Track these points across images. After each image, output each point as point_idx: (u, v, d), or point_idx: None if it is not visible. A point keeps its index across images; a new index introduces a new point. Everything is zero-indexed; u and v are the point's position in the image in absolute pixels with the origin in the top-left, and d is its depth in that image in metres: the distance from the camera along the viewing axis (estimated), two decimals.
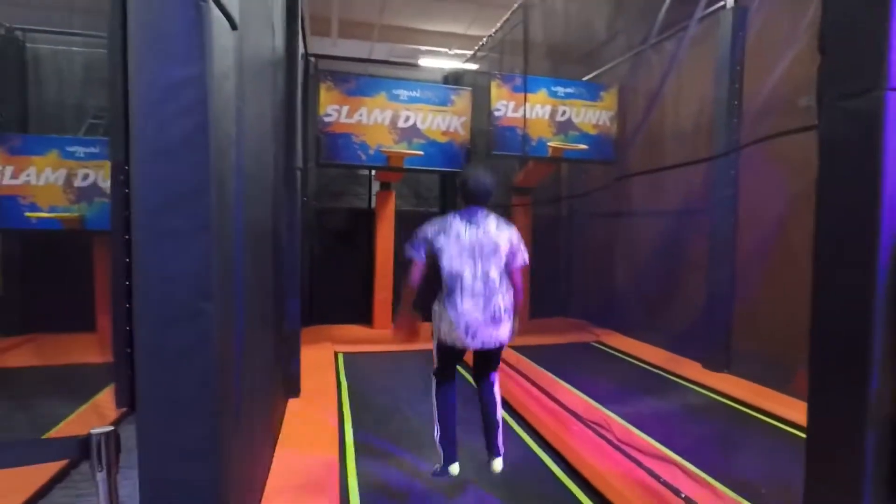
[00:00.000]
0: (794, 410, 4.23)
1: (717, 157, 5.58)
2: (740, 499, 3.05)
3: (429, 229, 3.10)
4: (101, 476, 1.51)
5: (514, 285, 3.14)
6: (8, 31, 7.27)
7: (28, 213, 6.31)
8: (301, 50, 6.04)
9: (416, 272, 3.04)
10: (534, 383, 5.06)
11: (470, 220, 3.04)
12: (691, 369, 5.72)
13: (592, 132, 7.63)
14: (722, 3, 5.83)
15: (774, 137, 4.86)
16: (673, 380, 5.60)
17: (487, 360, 3.33)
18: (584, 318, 8.23)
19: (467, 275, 2.94)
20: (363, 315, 7.90)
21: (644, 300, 6.94)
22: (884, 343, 1.82)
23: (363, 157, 7.07)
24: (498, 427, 3.30)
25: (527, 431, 4.22)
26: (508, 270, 3.10)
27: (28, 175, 6.40)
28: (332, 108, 6.90)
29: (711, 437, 4.20)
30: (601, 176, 8.25)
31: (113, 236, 4.47)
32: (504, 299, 3.04)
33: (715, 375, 5.51)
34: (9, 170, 6.35)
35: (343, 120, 6.95)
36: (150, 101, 1.29)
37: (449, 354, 3.20)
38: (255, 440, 2.70)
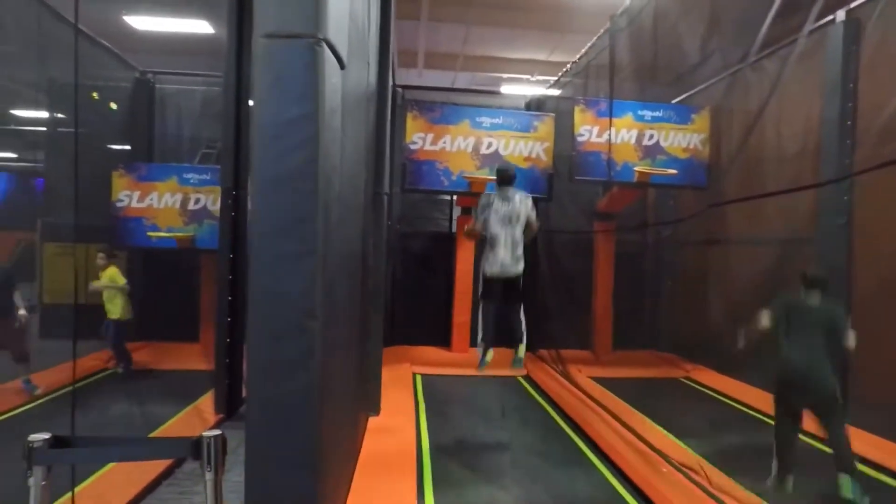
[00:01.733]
0: None
1: (828, 183, 5.14)
2: None
3: (480, 204, 4.73)
4: (209, 476, 1.64)
5: (531, 229, 4.75)
6: (142, 75, 8.32)
7: (149, 233, 7.07)
8: (390, 82, 6.38)
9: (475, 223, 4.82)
10: (619, 419, 4.81)
11: (503, 198, 4.61)
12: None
13: (682, 156, 7.31)
14: (831, 17, 5.42)
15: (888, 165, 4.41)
16: (771, 423, 5.10)
17: (513, 287, 4.72)
18: (673, 351, 7.76)
19: (502, 235, 4.52)
20: (442, 337, 7.97)
21: (741, 335, 6.43)
22: None
23: (446, 182, 7.24)
24: (522, 338, 4.80)
25: (611, 470, 4.02)
26: (527, 224, 4.64)
27: (151, 199, 7.19)
28: (418, 136, 7.17)
29: (817, 490, 3.77)
30: (692, 202, 7.85)
31: (220, 255, 4.90)
32: (520, 248, 4.59)
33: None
34: (136, 194, 7.18)
35: (427, 147, 7.19)
36: (270, 135, 1.44)
37: (490, 284, 4.72)
38: (341, 454, 2.79)
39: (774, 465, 3.52)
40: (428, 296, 8.30)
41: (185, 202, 7.20)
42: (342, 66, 1.77)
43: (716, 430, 4.95)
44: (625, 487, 3.74)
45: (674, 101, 7.94)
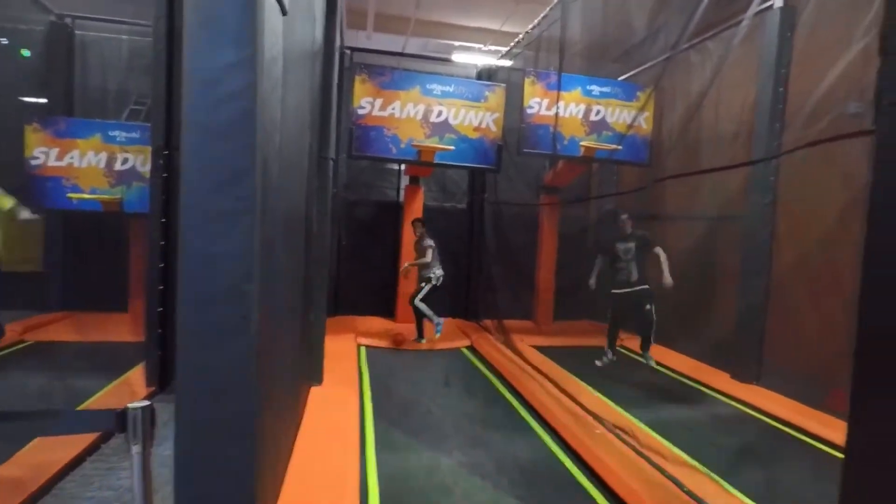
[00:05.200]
0: (826, 427, 4.08)
1: (756, 162, 5.42)
2: None
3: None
4: (135, 449, 1.54)
5: None
6: (58, 19, 7.52)
7: (70, 195, 6.52)
8: (338, 42, 6.09)
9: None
10: (557, 385, 5.00)
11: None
12: (719, 379, 5.58)
13: (626, 132, 7.49)
14: (770, 2, 5.63)
15: (820, 143, 4.70)
16: (699, 389, 5.47)
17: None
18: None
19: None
20: (387, 308, 7.95)
21: (671, 307, 6.79)
22: None
23: (394, 150, 7.09)
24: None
25: (549, 434, 4.18)
26: None
27: (71, 157, 6.61)
28: (366, 101, 6.94)
29: (737, 448, 4.09)
30: (633, 179, 8.11)
31: (151, 219, 4.58)
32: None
33: (743, 387, 5.35)
34: (54, 152, 6.58)
35: (376, 113, 6.99)
36: (202, 82, 1.30)
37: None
38: (280, 423, 2.73)
39: (608, 351, 5.94)
40: (373, 265, 8.22)
41: (110, 162, 6.68)
42: (284, 12, 1.63)
43: (645, 393, 5.24)
44: (562, 450, 3.90)
45: (620, 78, 8.08)
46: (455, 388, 5.32)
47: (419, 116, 7.12)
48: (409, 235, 7.77)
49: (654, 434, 4.07)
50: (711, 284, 6.32)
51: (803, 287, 5.10)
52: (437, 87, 7.18)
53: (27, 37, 7.40)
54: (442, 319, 6.75)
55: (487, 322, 7.56)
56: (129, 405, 1.53)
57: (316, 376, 4.66)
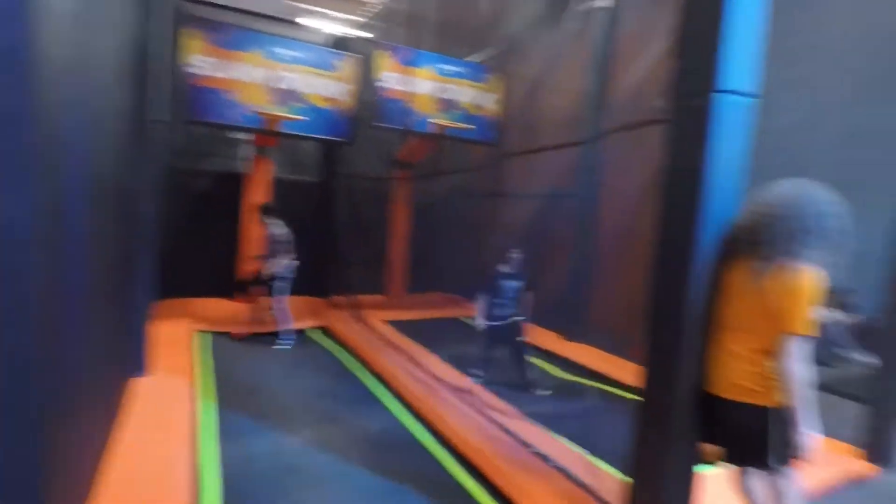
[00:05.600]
0: (632, 374, 4.80)
1: (578, 144, 6.05)
2: (584, 451, 3.39)
3: None
4: None
5: None
6: None
7: None
8: None
9: None
10: (407, 356, 5.13)
11: None
12: (550, 339, 6.21)
13: (476, 113, 7.82)
14: (600, 2, 6.24)
15: (624, 130, 5.39)
16: (535, 348, 6.04)
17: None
18: (459, 293, 8.51)
19: None
20: (228, 288, 7.36)
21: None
22: (701, 317, 2.11)
23: (236, 116, 6.50)
24: None
25: (402, 405, 4.27)
26: None
27: None
28: (201, 60, 6.22)
29: (563, 399, 4.62)
30: (483, 157, 8.53)
31: None
32: None
33: (571, 345, 6.05)
34: None
35: (213, 74, 6.31)
36: None
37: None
38: (86, 421, 2.38)
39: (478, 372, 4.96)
40: (213, 242, 7.53)
41: None
42: None
43: (489, 359, 5.62)
44: (413, 418, 4.02)
45: (470, 59, 8.35)
46: (306, 369, 5.16)
47: (264, 82, 6.60)
48: (255, 210, 7.26)
49: (492, 393, 4.39)
50: (548, 255, 6.95)
51: (619, 256, 5.87)
52: (283, 52, 6.70)
53: None
54: (292, 341, 5.87)
55: (340, 298, 7.44)
56: None
57: (137, 366, 4.16)
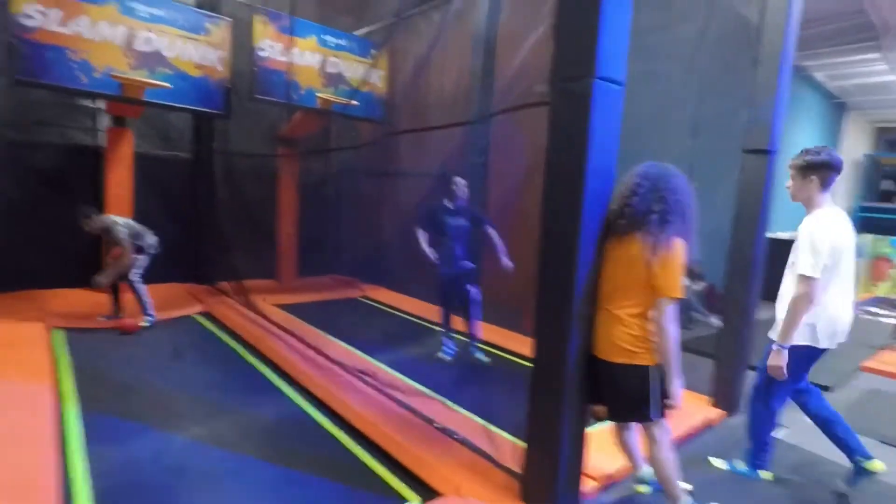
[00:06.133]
0: (524, 346, 5.10)
1: (466, 124, 6.20)
2: (483, 421, 3.55)
3: None
4: None
5: None
6: None
7: None
8: None
9: None
10: (302, 341, 4.95)
11: None
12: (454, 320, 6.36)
13: (363, 90, 7.61)
14: None
15: (509, 111, 5.60)
16: (430, 327, 6.17)
17: None
18: (353, 274, 8.37)
19: None
20: (84, 276, 6.48)
21: (407, 256, 7.41)
22: (585, 288, 2.29)
23: (84, 79, 5.65)
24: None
25: (298, 391, 4.12)
26: None
27: None
28: (35, 9, 5.29)
29: (460, 373, 4.79)
30: (371, 135, 8.36)
31: None
32: None
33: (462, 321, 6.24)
34: None
35: (54, 28, 5.40)
36: None
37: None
38: None
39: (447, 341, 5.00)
40: (64, 227, 6.55)
41: None
42: None
43: (387, 338, 5.64)
44: (311, 403, 3.91)
45: (356, 33, 8.09)
46: (190, 360, 4.75)
47: (120, 41, 5.81)
48: (116, 188, 6.45)
49: (392, 372, 4.41)
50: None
51: (507, 233, 6.15)
52: (142, 8, 5.93)
53: None
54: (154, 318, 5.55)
55: (224, 284, 6.93)
56: None
57: None
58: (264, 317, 5.75)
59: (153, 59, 6.06)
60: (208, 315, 6.30)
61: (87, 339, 5.04)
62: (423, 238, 4.74)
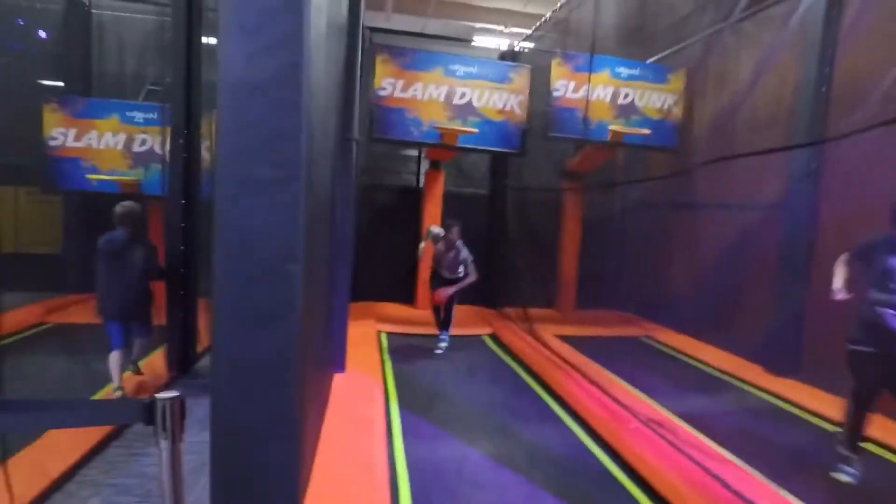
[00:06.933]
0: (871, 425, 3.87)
1: (798, 147, 5.15)
2: None
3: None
4: (164, 444, 1.41)
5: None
6: None
7: (89, 176, 6.45)
8: (361, 18, 5.87)
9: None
10: (586, 376, 4.83)
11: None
12: (751, 372, 5.37)
13: (655, 117, 7.22)
14: None
15: (868, 128, 4.41)
16: (731, 381, 5.28)
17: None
18: (633, 311, 7.90)
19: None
20: (406, 294, 7.81)
21: (701, 296, 6.56)
22: None
23: (415, 132, 6.90)
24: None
25: (581, 426, 4.03)
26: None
27: (90, 138, 6.52)
28: (387, 82, 6.74)
29: (772, 441, 3.91)
30: (660, 164, 7.84)
31: (170, 201, 4.48)
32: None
33: (779, 380, 5.14)
34: (72, 132, 6.49)
35: (397, 94, 6.79)
36: (240, 29, 1.12)
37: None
38: (312, 414, 2.61)
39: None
40: (393, 251, 8.06)
41: (129, 143, 6.58)
42: None
43: (678, 386, 5.05)
44: (595, 442, 3.74)
45: (650, 60, 7.78)
46: (479, 378, 5.18)
47: (442, 98, 6.91)
48: (430, 221, 7.61)
49: (691, 429, 3.88)
50: (745, 274, 6.07)
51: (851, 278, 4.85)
52: (460, 68, 6.95)
53: (43, 16, 7.29)
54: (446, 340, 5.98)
55: (510, 310, 7.40)
56: (158, 396, 1.40)
57: (339, 363, 4.55)
58: (546, 345, 5.87)
59: (466, 110, 7.00)
60: (494, 337, 6.79)
61: (401, 343, 6.08)
62: (841, 273, 3.49)
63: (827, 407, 4.42)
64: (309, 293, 1.51)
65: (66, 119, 6.48)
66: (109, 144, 6.53)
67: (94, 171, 6.49)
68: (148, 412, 1.40)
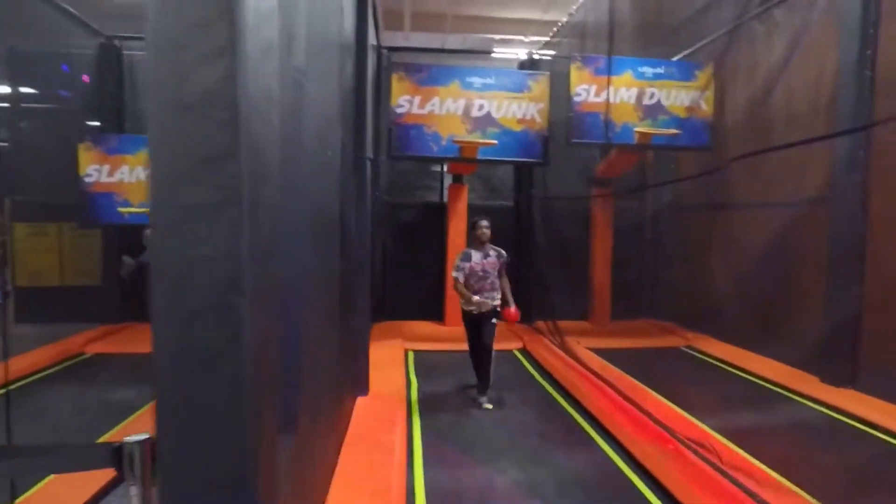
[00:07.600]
0: None
1: (841, 134, 4.78)
2: None
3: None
4: (134, 490, 1.31)
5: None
6: (108, 41, 7.75)
7: (121, 209, 6.66)
8: (373, 42, 5.88)
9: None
10: (621, 393, 4.54)
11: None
12: (807, 383, 4.94)
13: (684, 115, 6.91)
14: None
15: None
16: (784, 394, 4.88)
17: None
18: (672, 320, 7.51)
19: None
20: (435, 311, 7.66)
21: (745, 301, 6.14)
22: None
23: (435, 148, 6.83)
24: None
25: (615, 448, 3.76)
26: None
27: (121, 173, 6.75)
28: (404, 99, 6.72)
29: (834, 462, 3.54)
30: (692, 164, 7.48)
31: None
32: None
33: (837, 391, 4.71)
34: (105, 168, 6.74)
35: (415, 111, 6.75)
36: (168, 44, 1.05)
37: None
38: (317, 441, 2.50)
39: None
40: (420, 269, 7.95)
41: None
42: None
43: (723, 401, 4.71)
44: (630, 467, 3.48)
45: (676, 58, 7.49)
46: (508, 396, 4.97)
47: (460, 111, 6.82)
48: (455, 237, 7.47)
49: (738, 450, 3.56)
50: (792, 275, 5.65)
51: None
52: (476, 80, 6.86)
53: (79, 60, 7.66)
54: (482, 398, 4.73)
55: (540, 324, 7.15)
56: (126, 439, 1.31)
57: (361, 386, 4.45)
58: (578, 360, 5.60)
59: (484, 122, 6.89)
60: (525, 351, 6.56)
61: (430, 361, 5.96)
62: None
63: (890, 418, 4.01)
64: (272, 323, 1.40)
65: (100, 156, 6.74)
66: (140, 178, 6.74)
67: (127, 204, 6.70)
68: (116, 457, 1.31)
